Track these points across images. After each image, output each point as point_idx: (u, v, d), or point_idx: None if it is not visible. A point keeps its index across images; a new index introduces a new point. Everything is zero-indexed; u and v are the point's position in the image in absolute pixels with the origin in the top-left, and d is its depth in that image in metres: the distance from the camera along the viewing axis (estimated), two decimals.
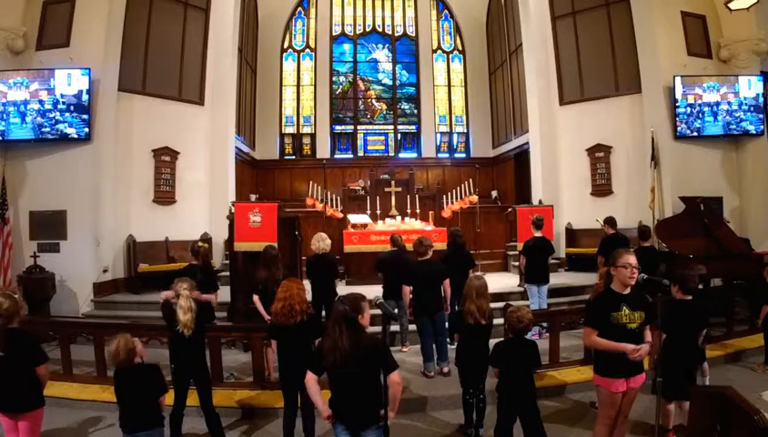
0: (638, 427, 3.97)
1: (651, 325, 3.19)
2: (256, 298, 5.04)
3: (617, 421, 3.17)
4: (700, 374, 4.34)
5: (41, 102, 7.37)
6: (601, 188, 9.59)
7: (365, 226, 8.80)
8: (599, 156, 9.61)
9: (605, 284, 3.31)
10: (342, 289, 6.26)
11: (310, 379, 2.75)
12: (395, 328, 6.11)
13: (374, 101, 14.45)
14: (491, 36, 14.04)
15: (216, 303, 5.78)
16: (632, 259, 3.03)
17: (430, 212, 9.44)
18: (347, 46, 14.36)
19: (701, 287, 4.50)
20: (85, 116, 7.46)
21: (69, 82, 7.36)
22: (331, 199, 10.16)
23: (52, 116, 7.39)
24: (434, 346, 5.23)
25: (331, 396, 2.73)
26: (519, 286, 7.47)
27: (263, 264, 5.17)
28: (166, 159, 8.75)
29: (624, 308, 3.02)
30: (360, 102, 14.37)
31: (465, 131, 14.57)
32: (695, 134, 8.58)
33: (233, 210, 6.55)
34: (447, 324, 5.23)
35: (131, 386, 3.07)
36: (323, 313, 5.63)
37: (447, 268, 5.50)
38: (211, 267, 5.92)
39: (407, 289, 5.33)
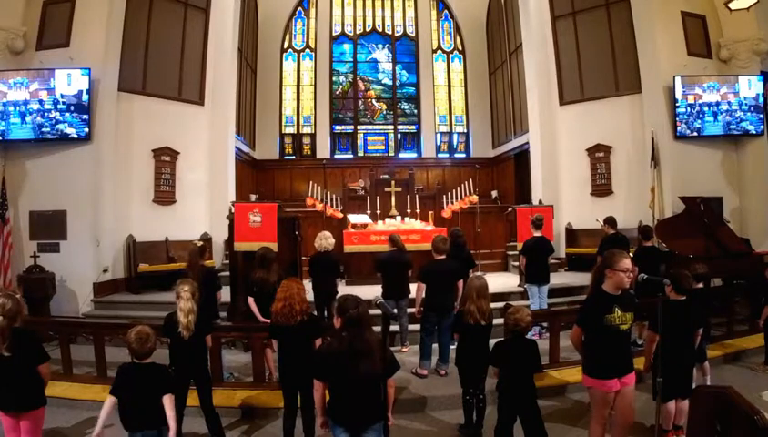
0: (637, 427, 3.97)
1: (646, 326, 3.21)
2: (251, 300, 5.04)
3: (618, 419, 3.16)
4: (701, 373, 4.34)
5: (41, 102, 7.36)
6: (601, 187, 9.59)
7: (365, 226, 8.80)
8: (599, 156, 9.61)
9: (594, 284, 3.25)
10: (342, 289, 6.28)
11: (319, 387, 2.79)
12: (394, 328, 6.11)
13: (374, 101, 14.45)
14: (491, 36, 14.05)
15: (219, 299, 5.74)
16: (630, 264, 3.06)
17: (430, 212, 9.44)
18: (347, 46, 14.36)
19: (701, 286, 4.48)
20: (85, 117, 7.45)
21: (69, 82, 7.36)
22: (331, 199, 10.17)
23: (52, 116, 7.38)
24: (434, 346, 5.22)
25: (331, 397, 2.72)
26: (519, 286, 7.47)
27: (258, 265, 5.17)
28: (166, 159, 8.75)
29: (616, 309, 3.03)
30: (360, 102, 14.37)
31: (465, 131, 14.57)
32: (695, 134, 8.58)
33: (233, 210, 6.56)
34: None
35: (138, 382, 3.00)
36: (325, 312, 5.64)
37: (461, 267, 5.44)
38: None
39: (421, 287, 5.24)
